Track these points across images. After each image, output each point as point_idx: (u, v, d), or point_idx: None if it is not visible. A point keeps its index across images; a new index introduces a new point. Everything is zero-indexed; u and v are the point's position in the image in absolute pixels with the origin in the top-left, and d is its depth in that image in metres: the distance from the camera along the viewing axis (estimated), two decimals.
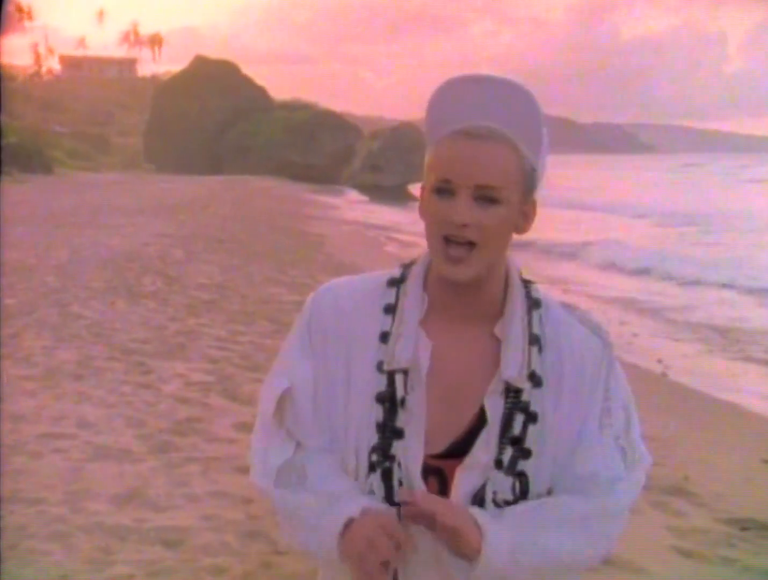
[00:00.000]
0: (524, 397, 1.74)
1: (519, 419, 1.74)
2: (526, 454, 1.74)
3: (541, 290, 1.85)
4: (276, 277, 16.28)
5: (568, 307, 1.87)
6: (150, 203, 35.57)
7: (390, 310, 1.80)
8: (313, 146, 79.65)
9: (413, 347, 1.75)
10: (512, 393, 1.74)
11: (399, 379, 1.74)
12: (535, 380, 1.75)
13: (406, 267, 1.85)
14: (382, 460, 1.73)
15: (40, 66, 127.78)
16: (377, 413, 1.75)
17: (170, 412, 7.49)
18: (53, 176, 58.11)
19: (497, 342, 1.77)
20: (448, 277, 1.73)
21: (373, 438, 1.74)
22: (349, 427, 1.77)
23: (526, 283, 1.83)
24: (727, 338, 13.38)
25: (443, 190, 1.71)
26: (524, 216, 1.76)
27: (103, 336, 10.38)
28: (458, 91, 1.74)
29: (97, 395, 7.90)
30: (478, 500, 1.73)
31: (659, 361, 11.64)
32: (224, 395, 8.09)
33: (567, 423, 1.78)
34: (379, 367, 1.76)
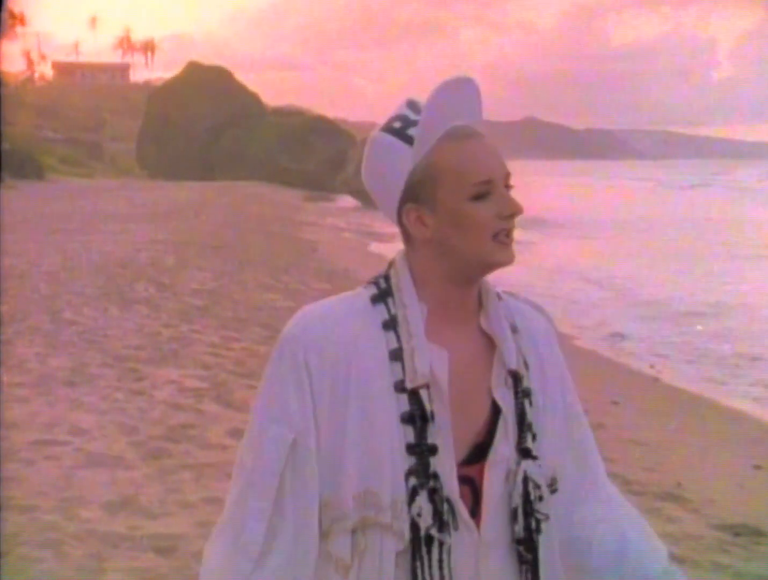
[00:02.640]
0: (525, 383, 1.78)
1: (527, 404, 1.77)
2: (534, 437, 1.78)
3: None
4: (269, 284, 16.28)
5: (511, 294, 1.90)
6: (143, 210, 35.55)
7: (389, 326, 1.73)
8: (306, 152, 79.60)
9: (429, 359, 1.70)
10: (518, 381, 1.77)
11: (424, 394, 1.69)
12: (525, 365, 1.79)
13: (378, 283, 1.79)
14: (425, 481, 1.68)
15: (32, 72, 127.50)
16: (406, 434, 1.68)
17: (163, 418, 7.48)
18: (45, 182, 57.96)
19: (484, 336, 1.78)
20: (504, 262, 1.72)
21: (406, 461, 1.68)
22: (376, 457, 1.68)
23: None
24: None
25: (481, 193, 1.70)
26: None
27: (96, 343, 10.36)
28: (445, 96, 1.74)
29: (89, 402, 7.88)
30: (525, 492, 1.73)
31: (651, 366, 11.68)
32: (217, 401, 8.08)
33: (552, 401, 1.84)
34: (397, 386, 1.70)
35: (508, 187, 1.72)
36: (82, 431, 7.05)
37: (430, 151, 1.72)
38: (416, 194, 1.73)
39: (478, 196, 1.69)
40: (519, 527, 1.74)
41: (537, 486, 1.74)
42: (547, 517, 1.76)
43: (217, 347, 10.47)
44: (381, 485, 1.67)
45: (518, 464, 1.74)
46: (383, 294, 1.77)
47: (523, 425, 1.76)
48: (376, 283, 1.79)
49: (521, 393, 1.77)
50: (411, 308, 1.74)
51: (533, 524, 1.74)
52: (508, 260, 1.72)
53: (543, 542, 1.77)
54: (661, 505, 6.23)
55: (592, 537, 1.87)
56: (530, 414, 1.77)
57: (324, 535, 1.71)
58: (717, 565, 5.34)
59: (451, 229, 1.71)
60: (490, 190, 1.69)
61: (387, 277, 1.79)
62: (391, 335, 1.72)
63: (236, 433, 6.85)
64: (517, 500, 1.73)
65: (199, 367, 9.39)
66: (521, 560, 1.75)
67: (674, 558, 5.47)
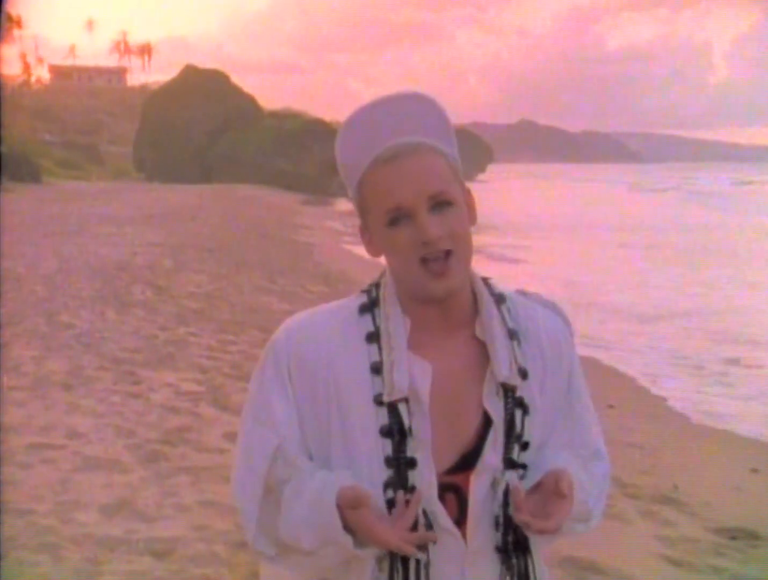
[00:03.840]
0: (518, 393, 1.76)
1: (518, 414, 1.76)
2: (525, 446, 1.77)
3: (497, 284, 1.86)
4: (266, 286, 16.27)
5: (523, 293, 1.89)
6: (139, 212, 35.51)
7: (372, 338, 1.74)
8: (302, 155, 79.56)
9: (408, 373, 1.71)
10: (509, 392, 1.75)
11: (402, 408, 1.70)
12: (522, 373, 1.77)
13: (369, 292, 1.80)
14: (402, 493, 1.69)
15: (29, 75, 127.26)
16: (385, 447, 1.70)
17: (160, 422, 7.48)
18: (42, 185, 57.90)
19: (479, 344, 1.77)
20: (436, 294, 1.70)
21: (384, 473, 1.70)
22: (354, 467, 1.70)
23: (484, 280, 1.83)
24: None
25: (396, 218, 1.69)
26: (469, 207, 1.76)
27: (93, 346, 10.36)
28: (360, 124, 1.75)
29: (86, 405, 7.88)
30: (502, 501, 1.74)
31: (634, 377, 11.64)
32: (214, 404, 8.07)
33: (549, 405, 1.82)
34: (377, 399, 1.71)
35: (439, 205, 1.68)
36: (78, 435, 7.04)
37: (359, 179, 1.74)
38: (361, 217, 1.78)
39: (393, 223, 1.69)
40: (498, 536, 1.75)
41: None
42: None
43: (213, 349, 10.46)
44: None
45: (503, 474, 1.75)
46: (371, 304, 1.78)
47: (511, 435, 1.75)
48: (368, 291, 1.81)
49: (512, 403, 1.76)
50: (394, 320, 1.74)
51: (511, 535, 1.75)
52: (438, 293, 1.70)
53: (535, 551, 1.79)
54: (658, 508, 6.23)
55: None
56: (520, 425, 1.76)
57: None
58: (713, 568, 5.34)
59: (385, 253, 1.75)
60: (405, 214, 1.68)
61: (378, 286, 1.80)
62: (374, 347, 1.73)
63: (233, 436, 6.82)
64: (498, 510, 1.74)
65: (195, 370, 9.38)
66: (507, 568, 1.76)
67: (670, 561, 5.47)
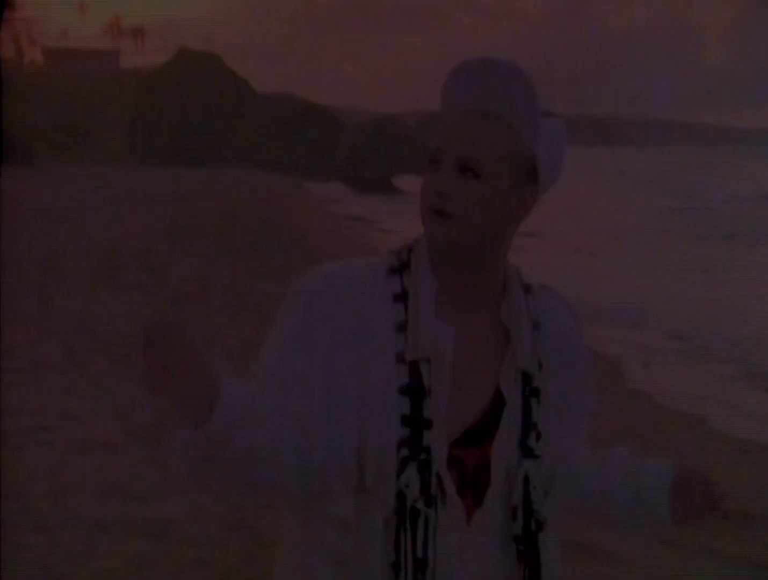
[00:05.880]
0: (535, 383, 1.78)
1: (534, 404, 1.77)
2: (538, 436, 1.78)
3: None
4: (259, 270, 16.27)
5: (546, 288, 1.90)
6: (133, 196, 35.42)
7: (399, 298, 1.74)
8: (296, 139, 79.44)
9: (433, 334, 1.72)
10: (527, 380, 1.77)
11: (424, 368, 1.70)
12: (539, 364, 1.79)
13: (400, 254, 1.80)
14: (416, 453, 1.69)
15: (22, 57, 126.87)
16: (403, 405, 1.69)
17: (154, 404, 7.48)
18: (35, 169, 57.74)
19: (503, 328, 1.77)
20: (431, 237, 1.73)
21: (399, 432, 1.69)
22: (368, 423, 1.69)
23: (516, 269, 1.84)
24: None
25: (433, 160, 1.72)
26: (521, 202, 1.75)
27: (87, 329, 10.36)
28: (463, 75, 1.76)
29: (81, 388, 7.88)
30: (525, 492, 1.75)
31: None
32: None
33: (561, 400, 1.83)
34: (399, 358, 1.71)
35: (466, 171, 1.70)
36: (73, 417, 7.05)
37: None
38: None
39: (430, 162, 1.73)
40: (518, 526, 1.75)
41: (535, 487, 1.76)
42: (546, 520, 1.77)
43: (207, 333, 10.46)
44: (368, 449, 1.68)
45: (519, 462, 1.75)
46: (401, 267, 1.78)
47: (528, 423, 1.76)
48: (398, 253, 1.80)
49: (529, 391, 1.77)
50: (422, 282, 1.75)
51: (533, 525, 1.76)
52: (434, 236, 1.73)
53: (544, 540, 1.79)
54: None
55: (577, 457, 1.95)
56: (536, 414, 1.77)
57: (323, 497, 1.70)
58: (705, 549, 5.38)
59: None
60: (438, 159, 1.72)
61: (410, 250, 1.80)
62: (401, 307, 1.73)
63: None
64: (517, 500, 1.75)
65: None
66: (519, 557, 1.76)
67: (662, 541, 5.50)
